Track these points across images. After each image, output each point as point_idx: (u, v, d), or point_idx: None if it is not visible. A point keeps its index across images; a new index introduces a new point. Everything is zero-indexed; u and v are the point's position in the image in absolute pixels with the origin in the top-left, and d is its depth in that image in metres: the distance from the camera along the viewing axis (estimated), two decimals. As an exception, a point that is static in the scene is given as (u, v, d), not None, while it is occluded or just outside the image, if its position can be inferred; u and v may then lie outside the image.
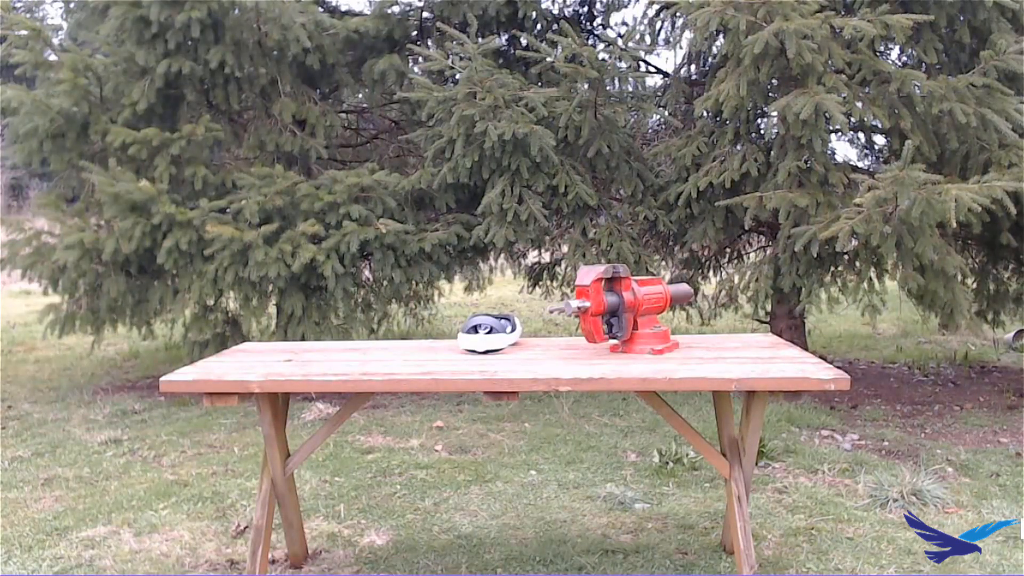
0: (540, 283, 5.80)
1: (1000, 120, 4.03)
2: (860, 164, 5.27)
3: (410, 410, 4.60)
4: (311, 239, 4.54)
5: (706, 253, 5.52)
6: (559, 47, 4.69)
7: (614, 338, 2.31)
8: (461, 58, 4.68)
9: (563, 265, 5.38)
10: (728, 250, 5.69)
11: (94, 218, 4.89)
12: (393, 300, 5.21)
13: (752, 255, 5.70)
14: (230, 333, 4.85)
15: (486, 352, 2.36)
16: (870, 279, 4.39)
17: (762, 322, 5.15)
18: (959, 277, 4.24)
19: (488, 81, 4.41)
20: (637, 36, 5.12)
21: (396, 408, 4.65)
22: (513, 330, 2.49)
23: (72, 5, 5.74)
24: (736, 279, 4.91)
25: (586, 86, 4.52)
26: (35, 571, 2.61)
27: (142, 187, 4.49)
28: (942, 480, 3.26)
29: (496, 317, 2.45)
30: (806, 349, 4.07)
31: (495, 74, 4.49)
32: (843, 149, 19.13)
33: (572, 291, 3.93)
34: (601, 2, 5.84)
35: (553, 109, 4.49)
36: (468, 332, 2.40)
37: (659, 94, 5.39)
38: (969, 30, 4.43)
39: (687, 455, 3.50)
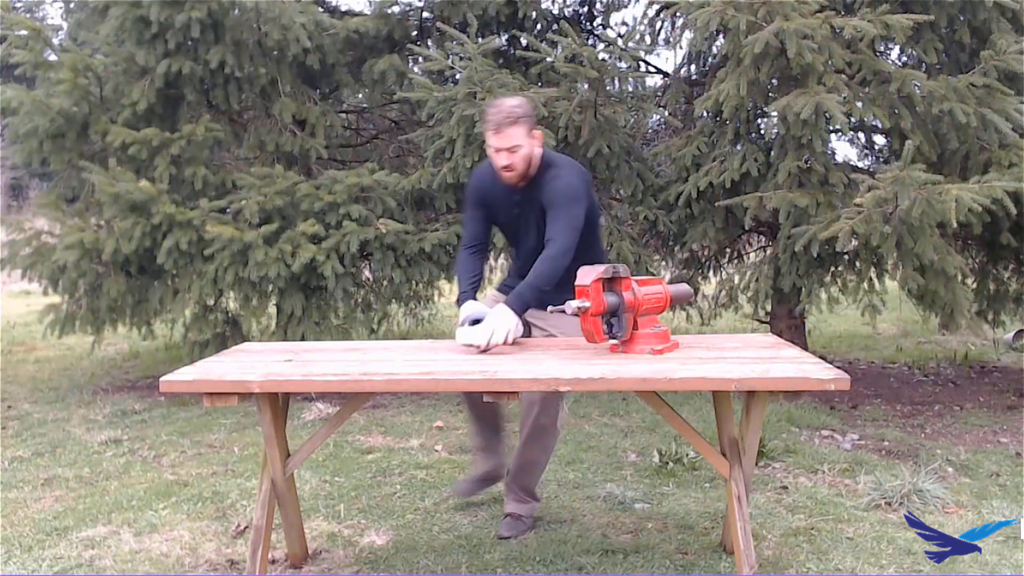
0: (540, 283, 5.79)
1: (1000, 120, 4.03)
2: (860, 164, 5.28)
3: (410, 410, 4.59)
4: (311, 239, 4.53)
5: (706, 253, 5.52)
6: (559, 47, 4.70)
7: (614, 338, 2.31)
8: (461, 58, 4.68)
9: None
10: (728, 250, 5.68)
11: (94, 218, 4.88)
12: (393, 300, 5.21)
13: (752, 255, 5.70)
14: (230, 333, 4.85)
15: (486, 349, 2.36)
16: (870, 279, 4.39)
17: (762, 322, 5.15)
18: (959, 277, 4.24)
19: (488, 81, 4.41)
20: (637, 36, 5.12)
21: (396, 408, 4.65)
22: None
23: (72, 5, 5.75)
24: (736, 279, 4.90)
25: (586, 86, 4.52)
26: (35, 571, 2.61)
27: (142, 187, 4.49)
28: (942, 480, 3.26)
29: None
30: (806, 349, 4.07)
31: (495, 74, 4.48)
32: (843, 149, 19.09)
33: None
34: (601, 2, 5.84)
35: (553, 109, 4.48)
36: (467, 325, 2.40)
37: (659, 94, 5.39)
38: (969, 30, 4.43)
39: (687, 455, 3.49)
